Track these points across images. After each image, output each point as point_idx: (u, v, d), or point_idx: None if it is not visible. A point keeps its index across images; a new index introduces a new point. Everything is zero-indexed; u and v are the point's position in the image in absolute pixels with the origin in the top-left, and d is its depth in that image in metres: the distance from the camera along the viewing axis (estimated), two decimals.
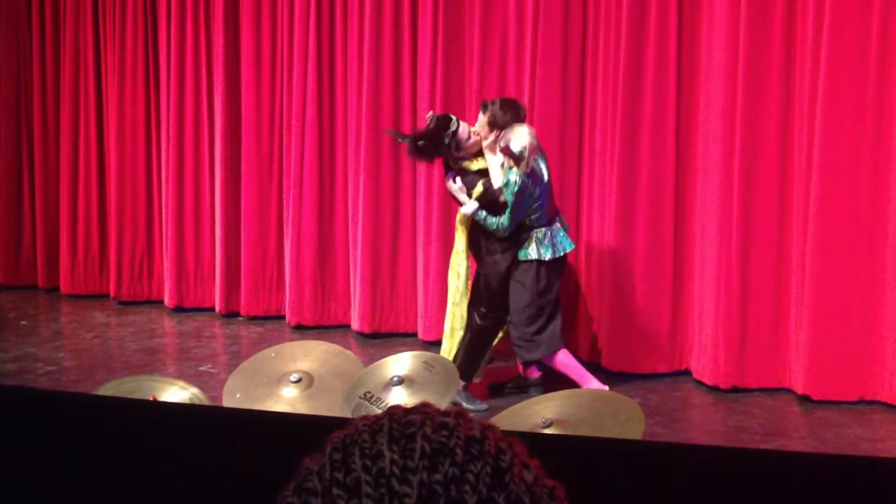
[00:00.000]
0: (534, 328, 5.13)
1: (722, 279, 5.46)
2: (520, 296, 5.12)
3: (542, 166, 5.06)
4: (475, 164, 5.20)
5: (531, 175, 4.99)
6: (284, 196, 6.99)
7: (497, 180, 5.07)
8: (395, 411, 0.85)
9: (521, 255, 5.12)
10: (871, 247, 5.12)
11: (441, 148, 5.13)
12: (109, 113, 7.63)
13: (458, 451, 0.80)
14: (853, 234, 5.14)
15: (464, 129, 5.15)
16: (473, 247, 5.25)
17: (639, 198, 5.75)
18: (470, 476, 0.79)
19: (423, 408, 0.85)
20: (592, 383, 5.12)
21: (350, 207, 6.73)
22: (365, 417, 0.85)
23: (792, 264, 5.38)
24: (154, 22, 7.40)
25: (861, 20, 5.05)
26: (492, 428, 0.84)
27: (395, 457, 0.79)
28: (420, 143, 5.15)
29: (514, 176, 4.98)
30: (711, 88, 5.52)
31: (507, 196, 5.00)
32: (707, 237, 5.57)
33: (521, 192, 4.97)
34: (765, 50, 5.32)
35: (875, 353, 5.13)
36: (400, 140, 5.52)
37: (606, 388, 5.09)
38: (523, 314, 5.12)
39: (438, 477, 0.78)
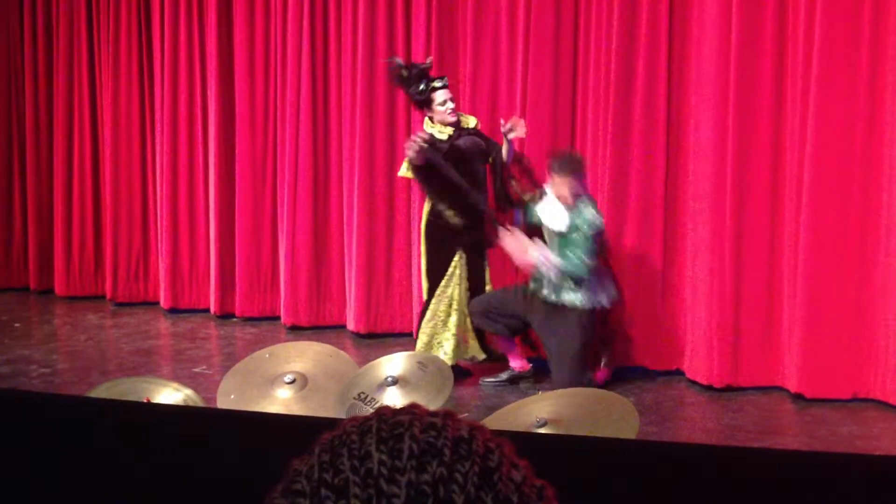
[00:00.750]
0: (584, 378, 5.09)
1: (715, 279, 5.46)
2: (578, 366, 5.10)
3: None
4: (437, 131, 5.45)
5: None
6: (279, 196, 6.99)
7: (560, 223, 5.05)
8: (384, 412, 0.85)
9: (577, 302, 5.11)
10: (862, 246, 5.14)
11: (412, 87, 5.41)
12: (104, 113, 7.62)
13: (446, 452, 0.80)
14: (844, 234, 5.15)
15: (443, 94, 5.40)
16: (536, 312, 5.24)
17: (630, 198, 5.76)
18: (458, 476, 0.79)
19: (411, 408, 0.85)
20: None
21: (345, 207, 6.73)
22: (353, 418, 0.85)
23: (784, 263, 5.39)
24: (148, 21, 7.39)
25: (852, 19, 5.06)
26: (480, 428, 0.84)
27: (384, 457, 0.79)
28: (404, 71, 5.45)
29: (592, 214, 5.04)
30: (703, 88, 5.53)
31: (584, 234, 5.01)
32: (699, 237, 5.58)
33: (600, 234, 5.07)
34: (756, 51, 5.33)
35: (867, 351, 5.14)
36: (392, 61, 5.67)
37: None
38: (572, 362, 5.10)
39: (426, 477, 0.78)
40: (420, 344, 5.57)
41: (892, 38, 4.98)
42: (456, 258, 5.54)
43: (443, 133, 5.48)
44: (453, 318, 5.54)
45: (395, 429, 0.82)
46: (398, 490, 0.78)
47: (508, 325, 5.39)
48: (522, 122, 5.53)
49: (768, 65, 5.33)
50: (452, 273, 5.53)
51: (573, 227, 5.04)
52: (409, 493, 0.78)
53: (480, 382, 5.49)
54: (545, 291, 5.14)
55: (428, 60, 5.62)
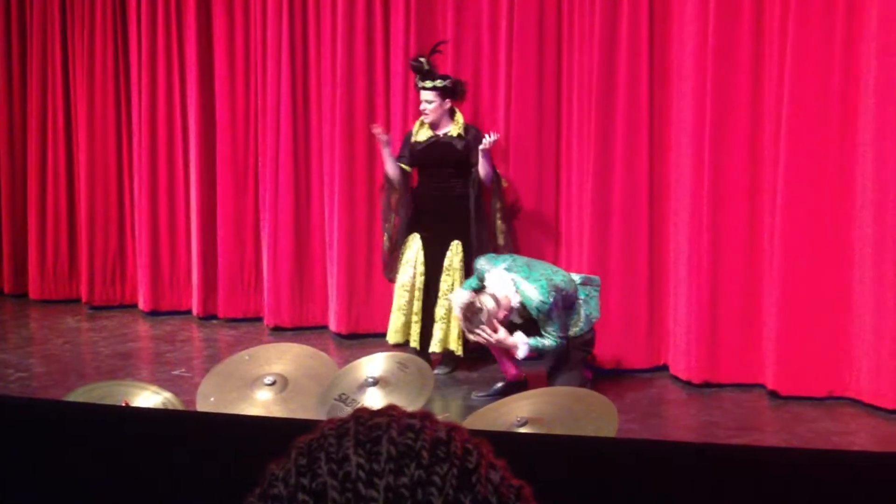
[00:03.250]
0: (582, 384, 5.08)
1: (693, 277, 5.50)
2: (577, 373, 5.10)
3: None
4: (424, 129, 5.77)
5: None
6: (260, 197, 6.96)
7: (523, 348, 4.99)
8: (361, 414, 0.85)
9: (575, 331, 5.12)
10: (837, 246, 5.18)
11: (415, 73, 5.77)
12: (78, 114, 7.56)
13: (424, 454, 0.80)
14: (820, 233, 5.19)
15: (422, 95, 5.69)
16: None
17: (614, 198, 5.78)
18: (436, 478, 0.79)
19: (389, 410, 0.85)
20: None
21: (326, 208, 6.71)
22: (331, 420, 0.85)
23: (762, 263, 5.43)
24: (124, 20, 7.34)
25: (825, 24, 5.10)
26: (458, 429, 0.84)
27: (361, 461, 0.79)
28: (413, 60, 5.81)
29: (538, 298, 4.90)
30: (684, 92, 5.56)
31: (546, 322, 4.95)
32: (680, 236, 5.61)
33: (556, 305, 4.95)
34: (733, 56, 5.37)
35: (843, 350, 5.18)
36: (438, 50, 5.93)
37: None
38: (570, 372, 5.11)
39: (405, 480, 0.78)
40: (389, 334, 5.83)
41: (864, 42, 5.03)
42: (414, 243, 5.76)
43: (427, 132, 5.77)
44: (415, 305, 5.75)
45: (373, 431, 0.81)
46: (376, 494, 0.78)
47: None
48: (492, 136, 5.56)
49: (744, 67, 5.37)
50: (411, 258, 5.76)
51: (539, 313, 4.97)
52: (387, 497, 0.78)
53: (473, 397, 5.35)
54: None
55: (422, 60, 5.79)
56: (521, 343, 4.94)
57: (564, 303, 5.05)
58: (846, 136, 5.13)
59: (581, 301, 5.15)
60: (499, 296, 4.95)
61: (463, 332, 5.51)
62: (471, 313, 4.92)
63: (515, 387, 5.16)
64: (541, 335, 4.99)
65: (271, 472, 0.83)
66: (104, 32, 7.36)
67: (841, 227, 5.17)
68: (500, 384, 5.33)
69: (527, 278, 4.98)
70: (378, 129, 5.83)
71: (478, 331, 4.94)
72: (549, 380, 5.15)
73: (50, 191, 7.69)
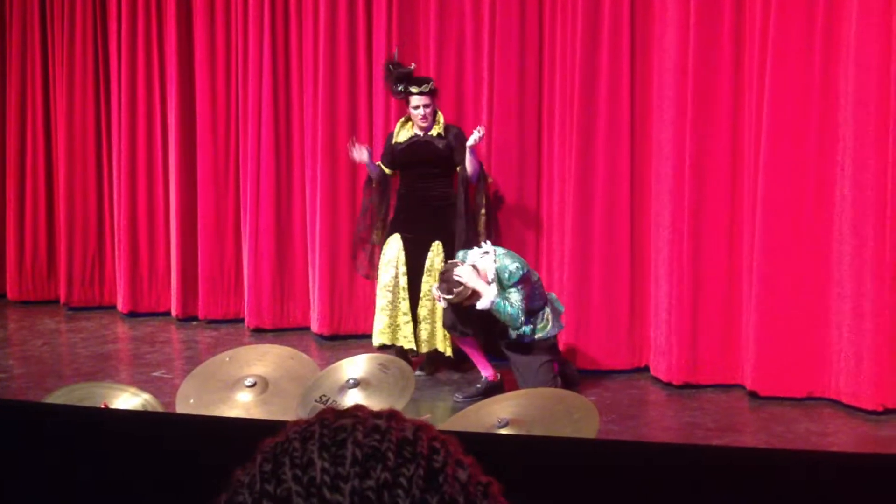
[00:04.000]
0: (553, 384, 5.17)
1: (674, 278, 5.52)
2: (546, 371, 5.15)
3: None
4: (407, 129, 5.80)
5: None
6: (241, 197, 6.94)
7: (489, 297, 5.06)
8: (326, 416, 0.83)
9: (541, 335, 5.17)
10: (816, 248, 5.22)
11: (392, 86, 5.73)
12: (58, 115, 7.52)
13: (390, 455, 0.79)
14: (799, 236, 5.23)
15: (416, 100, 5.68)
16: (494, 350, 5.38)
17: (596, 199, 5.80)
18: (402, 480, 0.78)
19: (354, 411, 0.84)
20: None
21: (308, 208, 6.70)
22: (295, 423, 0.84)
23: (742, 264, 5.46)
24: (104, 20, 7.30)
25: (806, 24, 5.13)
26: (425, 427, 0.84)
27: (326, 465, 0.78)
28: (390, 66, 5.76)
29: (514, 265, 5.05)
30: (664, 91, 5.58)
31: (513, 290, 5.03)
32: (660, 238, 5.63)
33: (527, 280, 5.08)
34: (713, 54, 5.40)
35: (822, 351, 5.22)
36: (394, 56, 5.93)
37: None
38: (541, 374, 5.15)
39: (370, 483, 0.77)
40: (374, 335, 5.80)
41: (843, 43, 5.06)
42: (395, 244, 5.74)
43: (408, 132, 5.78)
44: (403, 305, 5.73)
45: (338, 434, 0.80)
46: (342, 498, 0.77)
47: (482, 328, 5.34)
48: (479, 131, 5.59)
49: (726, 68, 5.40)
50: (392, 259, 5.74)
51: (506, 284, 5.06)
52: (352, 501, 0.77)
53: (454, 399, 5.38)
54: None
55: (412, 65, 5.76)
56: (490, 294, 5.04)
57: (532, 290, 5.15)
58: (825, 141, 5.16)
59: (548, 308, 5.23)
60: (478, 266, 5.10)
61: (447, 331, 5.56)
62: (448, 273, 5.09)
63: (495, 388, 5.24)
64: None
65: (237, 479, 0.82)
66: (84, 33, 7.32)
67: (820, 230, 5.21)
68: (479, 385, 5.39)
69: (506, 254, 5.18)
70: (357, 153, 5.77)
71: (448, 297, 5.09)
72: (519, 381, 5.19)
73: (29, 191, 7.64)
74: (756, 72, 5.29)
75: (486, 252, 5.16)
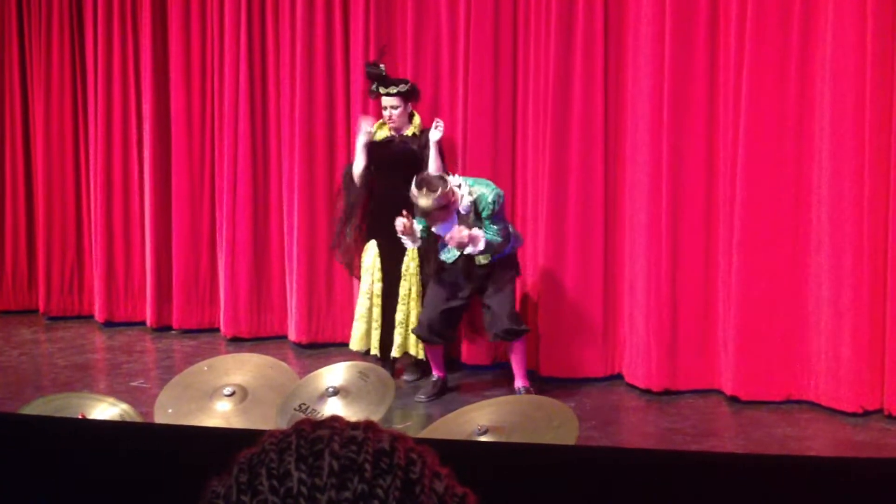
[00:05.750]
0: (521, 323, 5.35)
1: (652, 285, 5.54)
2: (510, 291, 5.29)
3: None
4: (383, 130, 5.82)
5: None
6: (217, 206, 6.90)
7: (480, 241, 5.12)
8: (303, 427, 0.83)
9: (514, 244, 5.31)
10: (794, 252, 5.25)
11: (374, 80, 5.78)
12: (36, 124, 7.46)
13: (367, 467, 0.79)
14: (777, 240, 5.26)
15: (386, 101, 5.71)
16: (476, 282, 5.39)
17: (569, 207, 5.81)
18: (379, 491, 0.78)
19: (331, 422, 0.84)
20: (519, 381, 5.39)
21: (285, 216, 6.67)
22: (272, 434, 0.84)
23: (719, 270, 5.48)
24: (81, 30, 7.26)
25: (781, 28, 5.17)
26: (402, 438, 0.84)
27: (303, 476, 0.78)
28: (368, 67, 5.87)
29: (493, 192, 5.14)
30: (639, 96, 5.60)
31: (493, 221, 5.12)
32: (636, 244, 5.65)
33: (502, 205, 5.19)
34: (689, 58, 5.42)
35: (799, 355, 5.25)
36: (381, 60, 5.94)
37: (530, 387, 5.38)
38: (511, 306, 5.29)
39: (347, 494, 0.77)
40: (352, 341, 5.86)
41: (819, 48, 5.11)
42: (372, 250, 5.80)
43: (384, 133, 5.84)
44: (375, 312, 5.77)
45: (315, 445, 0.80)
46: None
47: (454, 329, 5.50)
48: (440, 123, 5.68)
49: (701, 71, 5.43)
50: (369, 266, 5.79)
51: (485, 213, 5.12)
52: None
53: (416, 398, 5.48)
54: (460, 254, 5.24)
55: (381, 67, 5.83)
56: (481, 236, 5.12)
57: (503, 210, 5.27)
58: (802, 145, 5.20)
59: (509, 223, 5.38)
60: (453, 184, 5.13)
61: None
62: (426, 182, 5.06)
63: (444, 385, 5.57)
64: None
65: (212, 489, 0.82)
66: (61, 42, 7.28)
67: (797, 234, 5.25)
68: (431, 383, 5.58)
69: (477, 182, 5.25)
70: (366, 124, 5.84)
71: (426, 201, 5.01)
72: (486, 309, 5.33)
73: (8, 200, 7.58)
74: (732, 77, 5.32)
75: (458, 185, 5.16)
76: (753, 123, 5.23)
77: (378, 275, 5.76)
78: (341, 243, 6.03)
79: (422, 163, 5.72)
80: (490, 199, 5.09)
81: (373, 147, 5.83)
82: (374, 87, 5.80)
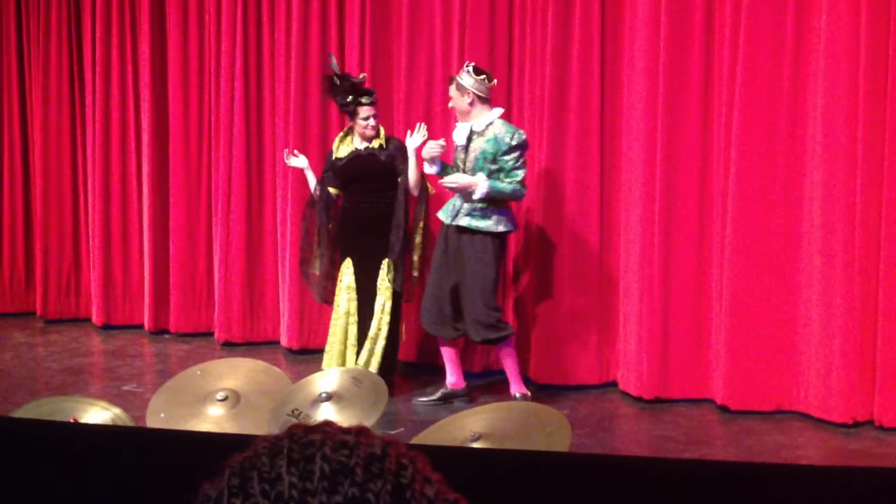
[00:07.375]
0: (496, 306, 5.26)
1: (645, 293, 5.54)
2: (485, 272, 5.18)
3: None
4: (348, 142, 5.64)
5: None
6: (213, 211, 6.91)
7: (482, 186, 5.11)
8: (296, 431, 0.83)
9: (485, 228, 5.18)
10: (785, 263, 5.27)
11: (339, 97, 5.58)
12: (34, 126, 7.47)
13: (358, 471, 0.79)
14: (769, 249, 5.27)
15: (366, 111, 5.53)
16: (453, 257, 5.31)
17: (565, 213, 5.81)
18: (370, 496, 0.78)
19: (324, 427, 0.84)
20: (514, 387, 5.33)
21: (278, 222, 6.68)
22: (264, 438, 0.84)
23: (712, 279, 5.49)
24: (79, 34, 7.26)
25: (775, 28, 5.18)
26: (394, 444, 0.84)
27: (295, 480, 0.78)
28: (336, 79, 5.59)
29: (520, 137, 5.18)
30: (634, 98, 5.61)
31: (517, 156, 5.16)
32: (630, 252, 5.66)
33: (525, 147, 5.24)
34: (684, 61, 5.44)
35: (791, 365, 5.26)
36: (330, 60, 5.81)
37: (528, 393, 5.34)
38: (488, 291, 5.19)
39: (338, 498, 0.78)
40: (325, 360, 5.65)
41: (813, 50, 5.12)
42: (348, 269, 5.61)
43: (348, 147, 5.64)
44: (351, 331, 5.59)
45: (307, 449, 0.81)
46: None
47: (457, 321, 5.36)
48: (420, 128, 5.49)
49: (695, 74, 5.44)
50: (344, 285, 5.61)
51: (506, 149, 5.14)
52: None
53: (413, 401, 5.45)
54: (455, 217, 5.21)
55: (361, 76, 5.69)
56: (482, 182, 5.11)
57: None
58: (795, 150, 5.21)
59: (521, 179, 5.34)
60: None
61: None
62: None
63: (456, 395, 5.44)
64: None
65: (204, 493, 0.82)
66: (59, 44, 7.29)
67: (789, 243, 5.26)
68: (441, 391, 5.48)
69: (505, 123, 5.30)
70: (295, 161, 5.71)
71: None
72: (464, 304, 5.26)
73: (6, 202, 7.58)
74: (726, 76, 5.34)
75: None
76: (746, 130, 5.24)
77: (353, 294, 5.58)
78: (311, 280, 5.78)
79: (391, 172, 5.54)
80: (514, 133, 5.14)
81: (336, 164, 5.62)
82: (349, 99, 5.53)
